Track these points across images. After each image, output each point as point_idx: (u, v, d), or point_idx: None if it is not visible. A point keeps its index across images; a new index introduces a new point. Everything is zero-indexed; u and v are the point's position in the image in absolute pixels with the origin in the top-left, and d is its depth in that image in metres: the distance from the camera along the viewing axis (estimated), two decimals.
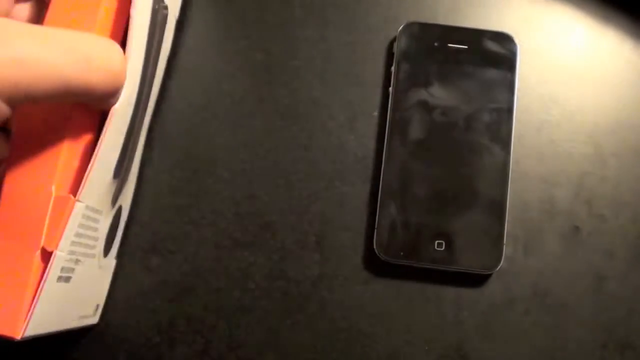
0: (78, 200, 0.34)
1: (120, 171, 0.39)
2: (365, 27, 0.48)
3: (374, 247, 0.44)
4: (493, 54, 0.47)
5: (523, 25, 0.49)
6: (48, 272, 0.33)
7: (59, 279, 0.34)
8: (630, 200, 0.46)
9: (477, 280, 0.45)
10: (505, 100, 0.46)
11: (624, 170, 0.47)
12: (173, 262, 0.45)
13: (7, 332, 0.32)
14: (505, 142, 0.45)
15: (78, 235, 0.35)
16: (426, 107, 0.46)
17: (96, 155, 0.34)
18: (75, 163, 0.35)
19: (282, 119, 0.47)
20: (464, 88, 0.46)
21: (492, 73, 0.46)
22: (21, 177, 0.33)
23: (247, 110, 0.47)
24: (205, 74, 0.47)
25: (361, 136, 0.47)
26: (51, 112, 0.34)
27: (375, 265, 0.45)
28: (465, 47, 0.47)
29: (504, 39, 0.47)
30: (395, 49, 0.47)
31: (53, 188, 0.33)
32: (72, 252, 0.35)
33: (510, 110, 0.46)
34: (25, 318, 0.32)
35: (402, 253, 0.44)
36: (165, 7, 0.42)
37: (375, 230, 0.44)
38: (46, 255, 0.33)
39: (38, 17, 0.37)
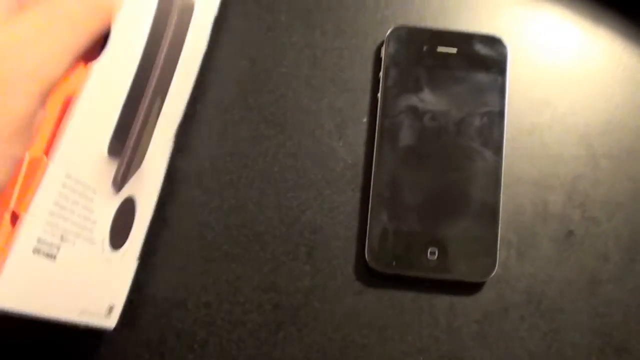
0: (52, 162, 0.33)
1: (121, 150, 0.38)
2: (353, 32, 0.48)
3: (366, 256, 0.44)
4: (483, 58, 0.47)
5: (513, 28, 0.49)
6: (18, 237, 0.32)
7: (36, 251, 0.33)
8: (623, 202, 0.46)
9: (471, 288, 0.45)
10: (496, 103, 0.46)
11: (616, 171, 0.47)
12: (161, 276, 0.45)
13: None
14: (497, 146, 0.46)
15: (59, 206, 0.34)
16: (416, 112, 0.46)
17: (71, 116, 0.33)
18: (49, 127, 0.34)
19: (269, 127, 0.47)
20: (454, 92, 0.46)
21: (482, 77, 0.46)
22: None
23: (234, 119, 0.47)
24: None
25: (350, 143, 0.47)
26: None
27: (368, 275, 0.45)
28: (455, 50, 0.47)
29: (494, 42, 0.47)
30: (383, 54, 0.47)
31: (27, 153, 0.32)
32: (52, 224, 0.34)
33: (501, 114, 0.46)
34: None
35: (394, 262, 0.44)
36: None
37: (367, 239, 0.44)
38: (17, 220, 0.32)
39: None
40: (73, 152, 0.34)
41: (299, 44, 0.48)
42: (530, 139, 0.47)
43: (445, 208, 0.45)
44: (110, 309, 0.42)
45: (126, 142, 0.38)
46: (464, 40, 0.47)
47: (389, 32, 0.47)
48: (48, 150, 0.33)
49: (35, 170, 0.32)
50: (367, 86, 0.48)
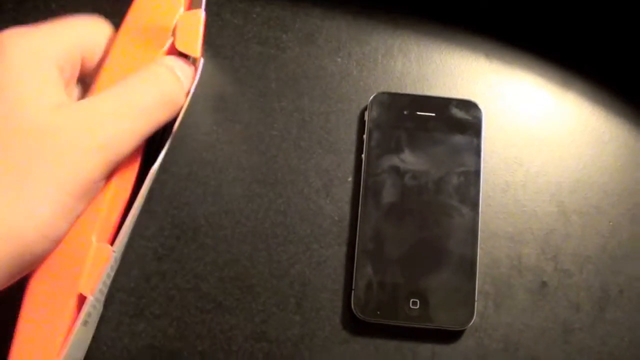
0: (114, 251, 0.37)
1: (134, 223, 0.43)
2: (338, 98, 0.53)
3: (352, 307, 0.47)
4: (460, 121, 0.51)
5: (487, 92, 0.53)
6: (80, 316, 0.36)
7: (83, 323, 0.38)
8: (592, 255, 0.50)
9: (451, 336, 0.48)
10: (472, 163, 0.50)
11: (586, 226, 0.51)
12: (159, 326, 0.48)
13: None
14: (473, 203, 0.49)
15: (103, 283, 0.39)
16: (397, 171, 0.50)
17: (134, 211, 0.38)
18: (113, 217, 0.39)
19: (261, 186, 0.51)
20: (433, 153, 0.50)
21: (459, 138, 0.51)
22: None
23: (228, 178, 0.51)
24: (187, 145, 0.51)
25: (337, 201, 0.51)
26: None
27: (354, 325, 0.48)
28: (433, 114, 0.51)
29: (470, 106, 0.52)
30: (366, 118, 0.51)
31: (94, 238, 0.37)
32: (97, 299, 0.39)
33: (477, 173, 0.50)
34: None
35: (378, 312, 0.47)
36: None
37: (353, 290, 0.48)
38: (80, 300, 0.36)
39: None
40: (123, 239, 0.39)
41: (288, 108, 0.52)
42: (505, 197, 0.51)
43: (426, 261, 0.48)
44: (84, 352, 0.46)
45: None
46: (442, 104, 0.51)
47: (371, 97, 0.52)
48: (111, 239, 0.38)
49: (103, 258, 0.37)
50: (352, 147, 0.52)
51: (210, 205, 0.50)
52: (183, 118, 0.42)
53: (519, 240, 0.50)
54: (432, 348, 0.48)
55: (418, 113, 0.51)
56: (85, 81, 0.42)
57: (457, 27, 0.54)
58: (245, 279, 0.49)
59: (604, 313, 0.49)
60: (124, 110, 0.36)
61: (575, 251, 0.50)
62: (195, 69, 0.43)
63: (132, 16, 0.42)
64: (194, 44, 0.42)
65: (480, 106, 0.52)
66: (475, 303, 0.48)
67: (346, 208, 0.50)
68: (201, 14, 0.43)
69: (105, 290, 0.43)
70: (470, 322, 0.47)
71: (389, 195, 0.49)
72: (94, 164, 0.35)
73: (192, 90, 0.42)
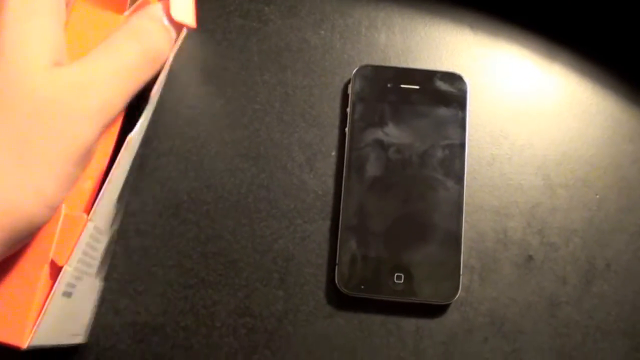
0: (90, 220, 0.37)
1: (123, 197, 0.43)
2: (321, 71, 0.53)
3: (336, 281, 0.48)
4: (444, 93, 0.51)
5: (472, 65, 0.53)
6: (57, 286, 0.36)
7: (64, 294, 0.38)
8: (579, 228, 0.50)
9: (436, 310, 0.48)
10: (457, 136, 0.50)
11: (572, 199, 0.51)
12: (141, 303, 0.48)
13: (13, 341, 0.35)
14: (458, 176, 0.50)
15: (85, 253, 0.39)
16: (381, 145, 0.50)
17: (109, 180, 0.38)
18: (88, 184, 0.39)
19: (243, 160, 0.51)
20: (418, 126, 0.50)
21: (443, 111, 0.51)
22: None
23: (210, 153, 0.51)
24: (168, 120, 0.51)
25: (320, 175, 0.51)
26: None
27: (338, 299, 0.48)
28: (417, 87, 0.51)
29: (454, 79, 0.51)
30: (350, 91, 0.51)
31: (63, 206, 0.37)
32: (77, 269, 0.38)
33: (462, 146, 0.50)
34: (32, 329, 0.35)
35: (362, 287, 0.47)
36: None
37: (337, 265, 0.48)
38: (55, 270, 0.36)
39: None
40: (102, 209, 0.39)
41: (271, 82, 0.52)
42: (491, 170, 0.51)
43: (410, 235, 0.48)
44: (87, 327, 0.46)
45: (126, 188, 0.43)
46: (426, 77, 0.51)
47: (355, 70, 0.52)
48: (88, 208, 0.38)
49: (76, 227, 0.37)
50: (336, 121, 0.52)
51: (192, 181, 0.50)
52: (164, 88, 0.42)
53: (505, 213, 0.50)
54: (417, 322, 0.48)
55: (402, 86, 0.51)
56: None
57: None
58: (228, 255, 0.49)
59: (590, 286, 0.50)
60: (116, 71, 0.36)
61: (561, 224, 0.50)
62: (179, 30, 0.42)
63: None
64: (190, 12, 0.41)
65: (465, 78, 0.52)
66: (461, 277, 0.48)
67: (330, 182, 0.50)
68: None
69: (96, 263, 0.43)
70: (455, 296, 0.47)
71: (373, 169, 0.49)
72: (92, 129, 0.34)
73: (174, 50, 0.41)
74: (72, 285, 0.39)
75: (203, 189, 0.50)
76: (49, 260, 0.36)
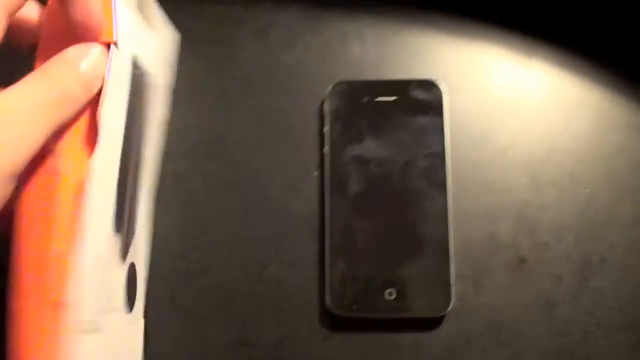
0: (82, 251, 0.37)
1: (122, 225, 0.43)
2: (297, 91, 0.53)
3: (328, 303, 0.48)
4: (420, 102, 0.51)
5: (447, 70, 0.53)
6: (66, 323, 0.36)
7: (85, 331, 0.38)
8: (570, 224, 0.50)
9: (432, 323, 0.48)
10: (437, 144, 0.50)
11: (561, 196, 0.50)
12: None
13: None
14: (442, 185, 0.49)
15: (92, 286, 0.39)
16: (362, 161, 0.50)
17: (85, 207, 0.37)
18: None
19: (226, 190, 0.51)
20: (397, 138, 0.50)
21: (421, 120, 0.50)
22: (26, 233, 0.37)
23: (193, 186, 0.51)
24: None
25: (304, 197, 0.51)
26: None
27: (332, 321, 0.48)
28: (393, 98, 0.51)
29: (429, 86, 0.51)
30: (326, 109, 0.51)
31: (53, 245, 0.36)
32: (91, 304, 0.39)
33: (443, 154, 0.50)
34: None
35: (355, 306, 0.48)
36: (144, 74, 0.46)
37: (327, 286, 0.48)
38: (59, 306, 0.36)
39: None
40: (94, 239, 0.39)
41: (247, 107, 0.52)
42: (474, 175, 0.51)
43: (398, 249, 0.48)
44: None
45: (123, 217, 0.43)
46: (401, 87, 0.51)
47: (330, 88, 0.51)
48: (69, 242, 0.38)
49: (65, 261, 0.36)
50: (315, 141, 0.52)
51: (177, 215, 0.51)
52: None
53: (493, 217, 0.50)
54: (413, 337, 0.48)
55: (378, 99, 0.51)
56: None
57: (411, 5, 0.54)
58: (219, 286, 0.49)
59: (587, 283, 0.49)
60: (20, 109, 0.35)
61: (552, 223, 0.50)
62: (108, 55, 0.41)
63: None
64: (108, 27, 0.40)
65: (440, 85, 0.51)
66: (452, 287, 0.48)
67: (314, 203, 0.51)
68: None
69: (117, 296, 0.43)
70: (449, 307, 0.47)
71: (355, 185, 0.49)
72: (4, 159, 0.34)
73: (108, 78, 0.40)
74: (92, 322, 0.39)
75: (189, 222, 0.51)
76: (52, 300, 0.36)
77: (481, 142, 0.51)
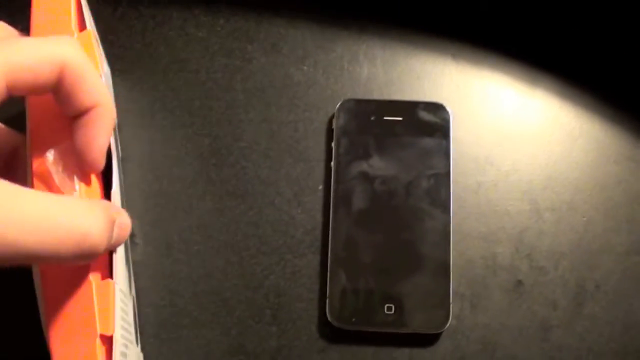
0: (116, 283, 0.38)
1: (128, 253, 0.44)
2: (305, 106, 0.54)
3: (327, 315, 0.49)
4: (427, 123, 0.52)
5: (455, 94, 0.54)
6: (115, 357, 0.36)
7: None
8: (567, 251, 0.51)
9: (428, 339, 0.49)
10: (442, 165, 0.51)
11: (559, 223, 0.52)
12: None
13: None
14: (445, 205, 0.51)
15: (122, 319, 0.40)
16: (367, 178, 0.51)
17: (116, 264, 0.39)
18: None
19: (231, 198, 0.52)
20: (402, 157, 0.51)
21: (427, 141, 0.52)
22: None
23: (198, 193, 0.52)
24: (156, 162, 0.52)
25: (308, 210, 0.52)
26: None
27: (330, 333, 0.49)
28: (400, 118, 0.52)
29: (437, 108, 0.53)
30: (334, 125, 0.52)
31: (91, 276, 0.37)
32: (123, 336, 0.39)
33: (447, 175, 0.51)
34: None
35: (354, 319, 0.48)
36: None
37: (327, 298, 0.49)
38: (105, 341, 0.37)
39: None
40: (119, 270, 0.40)
41: (256, 119, 0.54)
42: (477, 197, 0.52)
43: (399, 265, 0.49)
44: None
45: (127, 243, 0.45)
46: (408, 108, 0.53)
47: (338, 105, 0.53)
48: (104, 276, 0.39)
49: (108, 293, 0.37)
50: (322, 156, 0.53)
51: (181, 221, 0.51)
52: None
53: (493, 240, 0.51)
54: (410, 352, 0.49)
55: (385, 118, 0.52)
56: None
57: (422, 30, 0.56)
58: (220, 293, 0.50)
59: (581, 309, 0.50)
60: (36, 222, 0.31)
61: (549, 248, 0.51)
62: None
63: None
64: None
65: (448, 107, 0.53)
66: (451, 305, 0.49)
67: (318, 217, 0.52)
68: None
69: (132, 329, 0.44)
70: (446, 324, 0.48)
71: (359, 201, 0.51)
72: None
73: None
74: (125, 355, 0.40)
75: (192, 228, 0.51)
76: (98, 335, 0.36)
77: (484, 165, 0.53)
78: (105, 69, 0.51)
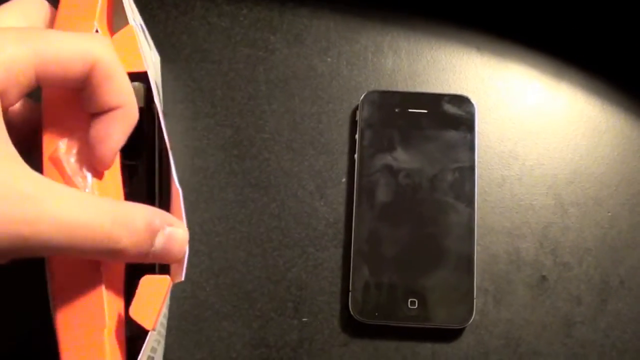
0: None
1: None
2: (329, 98, 0.54)
3: (350, 309, 0.48)
4: (452, 116, 0.52)
5: (479, 86, 0.54)
6: (144, 351, 0.36)
7: (149, 358, 0.38)
8: (591, 247, 0.51)
9: (451, 334, 0.49)
10: (466, 159, 0.51)
11: (584, 218, 0.52)
12: None
13: None
14: (469, 199, 0.50)
15: (164, 315, 0.39)
16: (391, 170, 0.51)
17: None
18: None
19: (253, 190, 0.52)
20: (426, 150, 0.51)
21: (452, 134, 0.51)
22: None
23: (220, 184, 0.52)
24: (177, 152, 0.52)
25: (331, 202, 0.52)
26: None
27: (352, 327, 0.49)
28: (425, 111, 0.52)
29: (462, 101, 0.52)
30: (358, 117, 0.52)
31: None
32: (159, 332, 0.39)
33: (472, 169, 0.51)
34: None
35: (376, 313, 0.48)
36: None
37: (350, 292, 0.49)
38: (118, 334, 0.36)
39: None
40: None
41: (279, 110, 0.53)
42: (501, 191, 0.52)
43: (422, 260, 0.49)
44: None
45: None
46: (433, 100, 0.52)
47: (362, 96, 0.52)
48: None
49: (162, 289, 0.37)
50: (345, 148, 0.53)
51: (203, 212, 0.51)
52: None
53: (517, 234, 0.51)
54: (433, 347, 0.49)
55: (410, 110, 0.52)
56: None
57: (447, 21, 0.55)
58: (241, 285, 0.50)
59: (605, 305, 0.50)
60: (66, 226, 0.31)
61: (574, 243, 0.51)
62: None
63: None
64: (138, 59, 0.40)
65: (473, 100, 0.52)
66: (475, 300, 0.48)
67: (341, 209, 0.51)
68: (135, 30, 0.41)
69: (165, 325, 0.44)
70: (470, 319, 0.48)
71: (383, 194, 0.50)
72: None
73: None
74: (155, 350, 0.40)
75: (214, 220, 0.51)
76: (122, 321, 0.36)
77: (509, 159, 0.52)
78: (154, 57, 0.51)
